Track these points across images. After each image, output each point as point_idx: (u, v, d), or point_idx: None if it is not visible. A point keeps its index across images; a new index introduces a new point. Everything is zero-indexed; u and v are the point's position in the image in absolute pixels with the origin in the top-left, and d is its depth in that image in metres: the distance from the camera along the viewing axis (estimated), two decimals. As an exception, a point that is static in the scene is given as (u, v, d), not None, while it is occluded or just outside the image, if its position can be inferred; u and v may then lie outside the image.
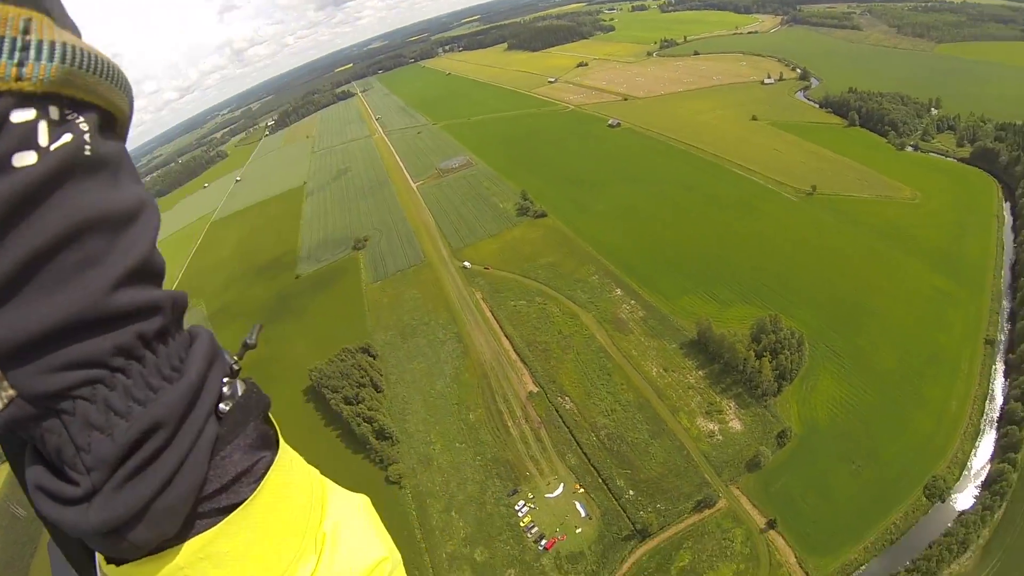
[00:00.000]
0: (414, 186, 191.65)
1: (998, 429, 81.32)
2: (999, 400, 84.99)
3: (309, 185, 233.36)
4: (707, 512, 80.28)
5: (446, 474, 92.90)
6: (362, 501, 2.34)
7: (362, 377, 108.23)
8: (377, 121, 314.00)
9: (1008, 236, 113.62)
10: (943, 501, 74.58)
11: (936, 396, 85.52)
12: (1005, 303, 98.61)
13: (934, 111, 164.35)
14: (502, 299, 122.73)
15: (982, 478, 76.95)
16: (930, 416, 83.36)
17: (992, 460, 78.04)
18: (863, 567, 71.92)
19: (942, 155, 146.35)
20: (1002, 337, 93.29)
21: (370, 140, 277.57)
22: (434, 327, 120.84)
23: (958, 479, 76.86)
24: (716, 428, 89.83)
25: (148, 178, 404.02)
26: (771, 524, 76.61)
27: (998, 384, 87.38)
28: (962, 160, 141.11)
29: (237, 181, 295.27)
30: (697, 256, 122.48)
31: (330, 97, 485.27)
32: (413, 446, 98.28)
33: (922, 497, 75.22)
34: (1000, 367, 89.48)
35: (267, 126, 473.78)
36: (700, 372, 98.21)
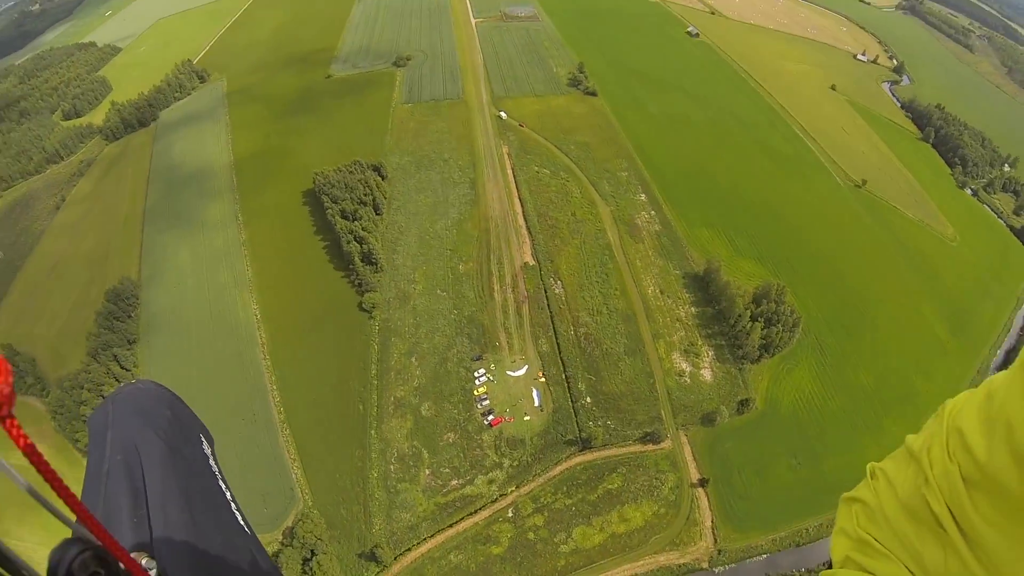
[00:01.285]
0: (473, 21, 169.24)
1: None
2: None
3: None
4: (650, 447, 76.95)
5: (419, 317, 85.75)
6: None
7: (365, 195, 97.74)
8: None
9: (1019, 319, 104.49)
10: None
11: (894, 434, 78.57)
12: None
13: (1007, 167, 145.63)
14: (527, 161, 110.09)
15: None
16: (879, 448, 76.71)
17: None
18: (763, 556, 70.74)
19: (996, 213, 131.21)
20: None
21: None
22: (452, 166, 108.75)
23: None
24: (688, 369, 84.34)
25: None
26: (703, 482, 74.70)
27: None
28: (1011, 228, 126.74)
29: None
30: (730, 195, 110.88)
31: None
32: (395, 279, 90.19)
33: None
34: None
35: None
36: (693, 309, 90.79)
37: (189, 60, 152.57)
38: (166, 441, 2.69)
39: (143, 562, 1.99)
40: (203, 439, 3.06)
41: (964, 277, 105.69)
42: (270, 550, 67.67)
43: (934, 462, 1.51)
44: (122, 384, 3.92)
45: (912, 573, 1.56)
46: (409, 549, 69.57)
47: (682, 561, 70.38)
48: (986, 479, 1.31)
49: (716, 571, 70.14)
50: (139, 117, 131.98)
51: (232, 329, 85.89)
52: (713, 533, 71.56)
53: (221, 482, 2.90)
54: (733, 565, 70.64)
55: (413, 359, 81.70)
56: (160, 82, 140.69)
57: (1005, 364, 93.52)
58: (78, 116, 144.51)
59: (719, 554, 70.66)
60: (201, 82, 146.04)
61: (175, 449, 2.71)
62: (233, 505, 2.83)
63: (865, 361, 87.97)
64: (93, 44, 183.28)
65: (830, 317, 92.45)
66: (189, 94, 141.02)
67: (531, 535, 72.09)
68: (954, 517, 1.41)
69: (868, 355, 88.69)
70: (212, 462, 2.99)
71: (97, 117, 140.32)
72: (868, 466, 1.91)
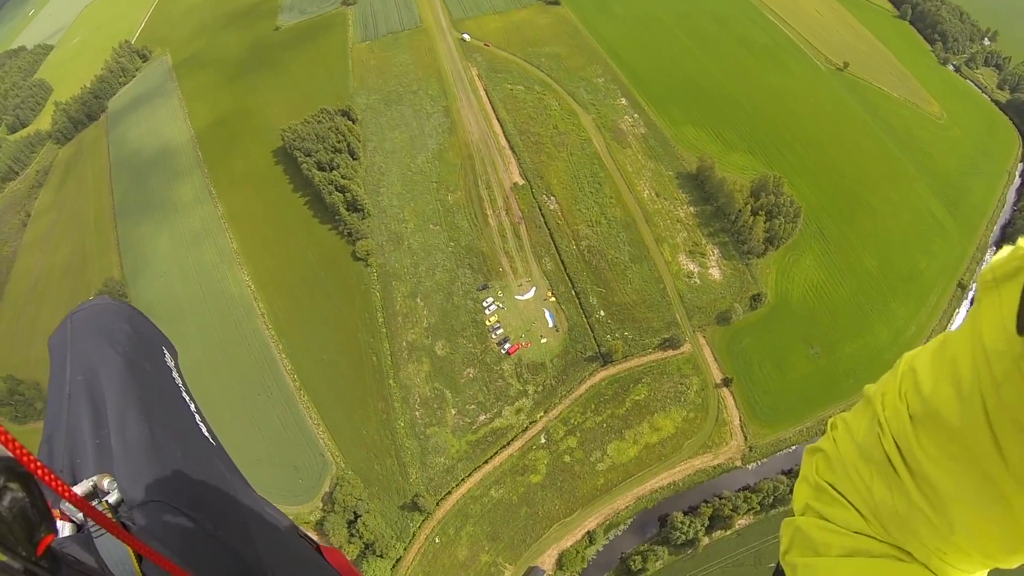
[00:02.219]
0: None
1: None
2: None
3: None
4: (671, 353, 72.26)
5: (416, 256, 77.87)
6: None
7: (339, 142, 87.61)
8: None
9: (1012, 195, 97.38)
10: None
11: (901, 314, 76.75)
12: (988, 256, 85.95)
13: (987, 42, 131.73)
14: (499, 80, 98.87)
15: None
16: (889, 330, 75.13)
17: None
18: (793, 447, 67.63)
19: (980, 88, 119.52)
20: (973, 287, 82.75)
21: None
22: (422, 97, 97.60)
23: None
24: (696, 270, 78.13)
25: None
26: (726, 382, 69.92)
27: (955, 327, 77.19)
28: (996, 103, 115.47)
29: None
30: (710, 91, 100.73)
31: None
32: (385, 222, 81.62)
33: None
34: (962, 313, 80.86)
35: None
36: (691, 208, 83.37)
37: (127, 41, 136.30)
38: (124, 356, 2.41)
39: (105, 483, 1.76)
40: (165, 351, 2.74)
41: (953, 154, 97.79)
42: (312, 519, 63.36)
43: (887, 404, 1.46)
44: (81, 303, 2.69)
45: (863, 516, 1.54)
46: (449, 492, 65.74)
47: (716, 463, 67.31)
48: (929, 414, 1.29)
49: (749, 467, 67.35)
50: (87, 112, 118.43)
51: (228, 306, 78.55)
52: (742, 431, 68.32)
53: (185, 394, 2.60)
54: (765, 460, 67.86)
55: (418, 300, 74.85)
56: (101, 71, 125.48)
57: (1002, 240, 76.87)
58: (23, 126, 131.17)
59: (750, 451, 67.62)
60: (144, 61, 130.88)
61: (134, 363, 2.43)
62: (197, 417, 2.55)
63: (867, 245, 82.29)
64: (23, 48, 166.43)
65: (828, 204, 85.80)
66: (134, 76, 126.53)
67: (567, 458, 67.91)
68: (902, 454, 1.39)
69: (870, 239, 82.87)
70: (175, 375, 2.68)
71: (43, 122, 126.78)
72: (830, 420, 1.77)
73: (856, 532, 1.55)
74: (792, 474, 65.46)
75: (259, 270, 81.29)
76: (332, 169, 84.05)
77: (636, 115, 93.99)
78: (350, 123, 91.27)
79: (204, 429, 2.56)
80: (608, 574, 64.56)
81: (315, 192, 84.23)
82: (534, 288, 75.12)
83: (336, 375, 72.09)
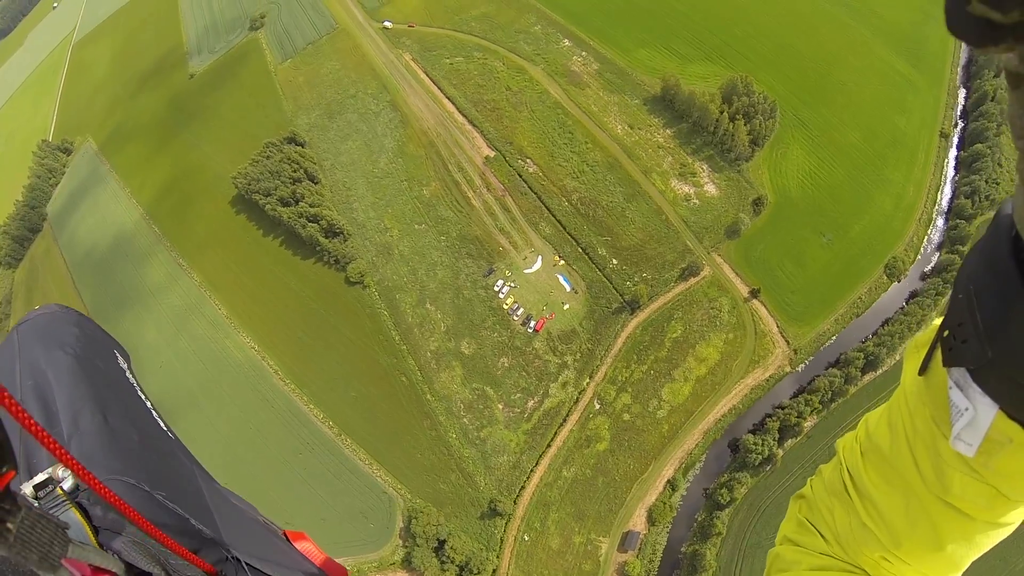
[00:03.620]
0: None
1: (947, 220, 70.90)
2: (948, 193, 73.31)
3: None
4: (692, 281, 66.00)
5: (411, 262, 68.59)
6: None
7: (294, 171, 76.74)
8: None
9: None
10: (899, 281, 66.87)
11: (896, 179, 71.72)
12: (960, 99, 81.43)
13: None
14: (435, 58, 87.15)
15: (932, 263, 67.73)
16: (890, 198, 70.64)
17: (941, 249, 68.67)
18: (833, 338, 63.68)
19: None
20: (955, 132, 78.40)
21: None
22: (363, 99, 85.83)
23: (913, 262, 67.67)
24: (692, 191, 70.95)
25: None
26: (754, 293, 65.04)
27: (949, 177, 74.61)
28: None
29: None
30: (650, 8, 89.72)
31: None
32: (368, 237, 71.75)
33: (883, 276, 66.06)
34: (951, 161, 75.95)
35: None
36: (668, 131, 75.28)
37: (44, 140, 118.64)
38: (74, 356, 2.25)
39: (60, 472, 1.63)
40: (118, 354, 2.56)
41: (901, 7, 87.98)
42: (396, 559, 56.28)
43: (846, 447, 1.68)
44: (27, 313, 2.44)
45: (827, 540, 1.72)
46: (522, 487, 59.47)
47: (768, 375, 62.28)
48: (872, 447, 1.50)
49: (799, 369, 63.07)
50: (28, 227, 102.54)
51: (238, 374, 68.87)
52: (783, 336, 63.39)
53: (140, 393, 2.40)
54: (811, 358, 63.52)
55: (427, 305, 66.14)
56: (28, 179, 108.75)
57: (968, 79, 70.77)
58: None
59: (796, 354, 62.89)
60: (68, 154, 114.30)
61: (85, 361, 2.27)
62: (154, 413, 2.37)
63: (846, 120, 75.36)
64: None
65: (798, 90, 77.89)
66: (63, 173, 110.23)
67: (626, 416, 61.61)
68: (854, 482, 1.58)
69: (847, 113, 75.91)
70: (129, 375, 2.49)
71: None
72: (817, 471, 1.97)
73: (821, 553, 1.73)
74: (840, 364, 61.62)
75: (257, 328, 71.34)
76: (297, 202, 73.40)
77: (584, 53, 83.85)
78: (300, 148, 79.95)
79: (163, 424, 2.30)
80: (699, 514, 59.63)
81: (287, 230, 73.77)
82: (540, 257, 66.53)
83: (371, 408, 63.71)
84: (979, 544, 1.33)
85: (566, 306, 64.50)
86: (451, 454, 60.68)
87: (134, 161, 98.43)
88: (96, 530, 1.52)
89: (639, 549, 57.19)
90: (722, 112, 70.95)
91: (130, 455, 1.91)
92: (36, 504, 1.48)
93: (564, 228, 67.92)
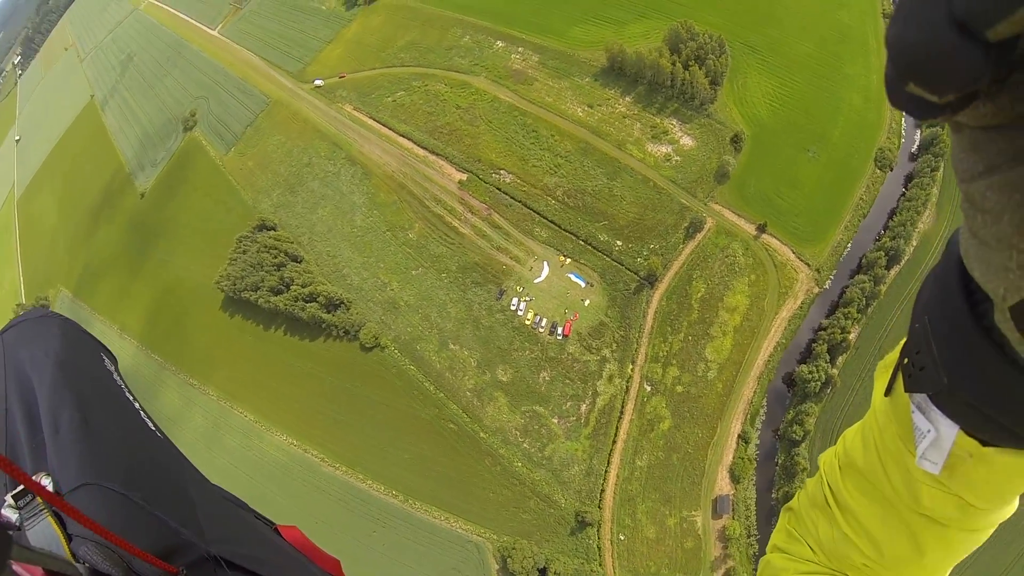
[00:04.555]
0: (215, 33, 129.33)
1: None
2: None
3: (98, 95, 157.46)
4: (699, 236, 64.43)
5: (420, 309, 66.52)
6: None
7: (275, 257, 74.11)
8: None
9: None
10: (892, 170, 66.06)
11: (856, 73, 70.14)
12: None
13: None
14: (376, 99, 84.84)
15: (917, 143, 66.94)
16: (857, 92, 69.08)
17: (921, 124, 67.67)
18: (848, 246, 63.07)
19: None
20: (895, 7, 71.49)
21: (139, 13, 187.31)
22: (319, 163, 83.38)
23: (899, 147, 66.80)
24: (670, 150, 69.17)
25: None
26: (761, 228, 63.67)
27: None
28: None
29: (17, 141, 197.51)
30: None
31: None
32: (369, 298, 69.55)
33: (875, 169, 65.34)
34: None
35: (15, 64, 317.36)
36: (627, 99, 73.45)
37: (18, 304, 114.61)
38: (56, 359, 2.17)
39: (41, 481, 1.66)
40: (104, 357, 2.46)
41: None
42: (502, 608, 53.84)
43: (826, 463, 1.72)
44: (11, 320, 2.33)
45: (813, 550, 1.79)
46: (602, 490, 57.31)
47: (799, 302, 60.89)
48: (849, 462, 1.55)
49: (827, 287, 61.72)
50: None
51: (285, 474, 66.17)
52: (801, 260, 62.09)
53: (128, 394, 2.28)
54: (835, 272, 62.27)
55: (451, 346, 63.92)
56: None
57: None
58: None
59: (819, 273, 61.54)
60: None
61: (67, 363, 2.19)
62: (142, 414, 2.23)
63: (793, 32, 73.91)
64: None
65: (738, 18, 76.18)
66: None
67: (679, 388, 59.91)
68: (834, 495, 1.63)
69: (791, 26, 74.43)
70: (116, 377, 2.39)
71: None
72: (804, 484, 2.04)
73: (807, 560, 1.81)
74: (863, 268, 60.69)
75: (289, 422, 68.53)
76: (288, 286, 70.80)
77: (520, 48, 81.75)
78: (273, 233, 77.31)
79: (151, 424, 2.20)
80: (778, 457, 58.18)
81: (287, 317, 71.19)
82: (545, 263, 64.57)
83: (427, 465, 61.41)
84: (956, 550, 1.37)
85: (586, 302, 62.34)
86: (522, 482, 58.40)
87: (112, 297, 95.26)
88: (70, 538, 1.53)
89: (732, 510, 55.71)
90: (674, 63, 69.05)
91: (109, 456, 1.83)
92: (18, 515, 1.53)
93: (559, 226, 65.69)
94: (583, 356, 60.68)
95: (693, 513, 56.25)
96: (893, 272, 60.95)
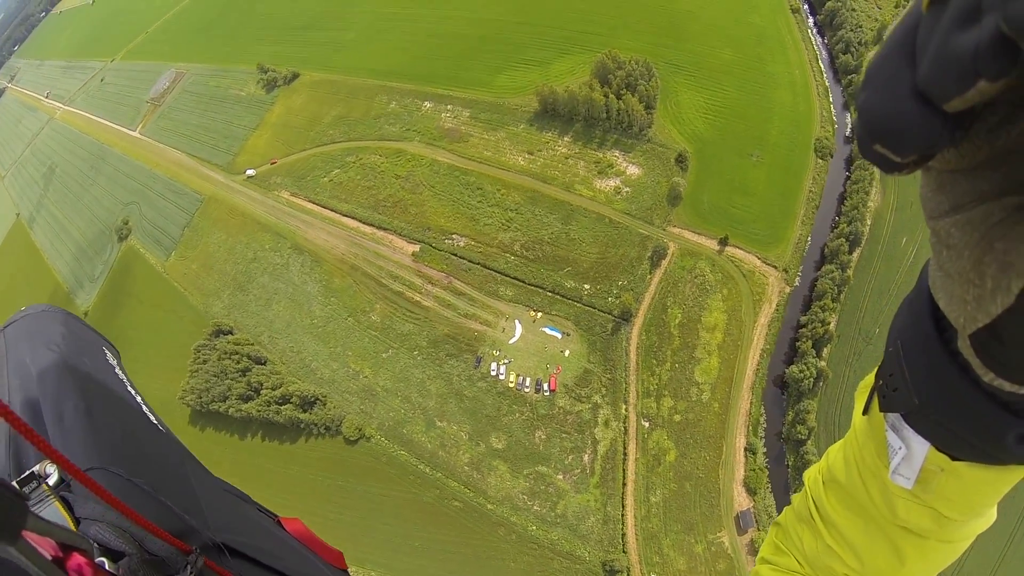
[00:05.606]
0: (137, 134, 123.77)
1: (839, 81, 71.72)
2: (827, 56, 74.45)
3: (24, 212, 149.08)
4: (664, 263, 63.63)
5: (399, 392, 63.21)
6: None
7: (239, 363, 70.10)
8: (49, 98, 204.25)
9: None
10: (832, 156, 67.15)
11: (779, 71, 72.03)
12: None
13: None
14: (312, 182, 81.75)
15: (849, 126, 67.84)
16: (784, 89, 70.72)
17: (849, 109, 69.04)
18: (809, 239, 63.46)
19: None
20: (803, 4, 79.78)
21: (55, 123, 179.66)
22: (265, 256, 79.39)
23: (834, 134, 67.95)
24: (618, 182, 68.49)
25: None
26: (723, 242, 63.43)
27: (820, 43, 75.96)
28: None
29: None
30: (481, 36, 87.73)
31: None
32: (344, 389, 66.04)
33: (817, 159, 66.23)
34: (814, 28, 77.49)
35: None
36: (566, 138, 72.65)
37: None
38: (60, 353, 2.17)
39: (46, 468, 1.64)
40: (106, 351, 2.47)
41: None
42: None
43: (810, 479, 1.79)
44: (13, 315, 2.32)
45: (798, 562, 1.85)
46: (623, 534, 55.12)
47: (774, 305, 60.90)
48: (831, 477, 1.60)
49: (796, 284, 62.02)
50: None
51: (291, 590, 60.75)
52: (767, 264, 62.03)
53: (130, 388, 2.33)
54: (801, 268, 62.65)
55: (438, 423, 61.04)
56: None
57: None
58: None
59: (786, 272, 61.76)
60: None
61: (71, 357, 2.19)
62: (145, 407, 2.28)
63: (710, 43, 75.36)
64: None
65: (657, 39, 77.29)
66: None
67: (677, 417, 58.53)
68: (818, 510, 1.69)
69: (708, 37, 76.00)
70: (118, 371, 2.41)
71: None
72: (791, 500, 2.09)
73: (793, 572, 1.86)
74: (827, 258, 61.62)
75: (286, 533, 63.79)
76: (257, 391, 66.49)
77: (449, 106, 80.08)
78: (231, 337, 72.86)
79: (153, 418, 2.25)
80: (788, 459, 57.00)
81: (262, 422, 66.86)
82: (516, 321, 62.40)
83: (440, 548, 58.07)
84: (935, 561, 1.41)
85: (566, 352, 60.18)
86: (541, 545, 55.48)
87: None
88: (78, 522, 1.53)
89: (756, 522, 54.28)
90: (606, 95, 68.48)
91: (113, 444, 1.86)
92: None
93: (523, 282, 63.45)
94: (575, 407, 58.56)
95: (718, 535, 54.51)
96: (856, 255, 61.30)
